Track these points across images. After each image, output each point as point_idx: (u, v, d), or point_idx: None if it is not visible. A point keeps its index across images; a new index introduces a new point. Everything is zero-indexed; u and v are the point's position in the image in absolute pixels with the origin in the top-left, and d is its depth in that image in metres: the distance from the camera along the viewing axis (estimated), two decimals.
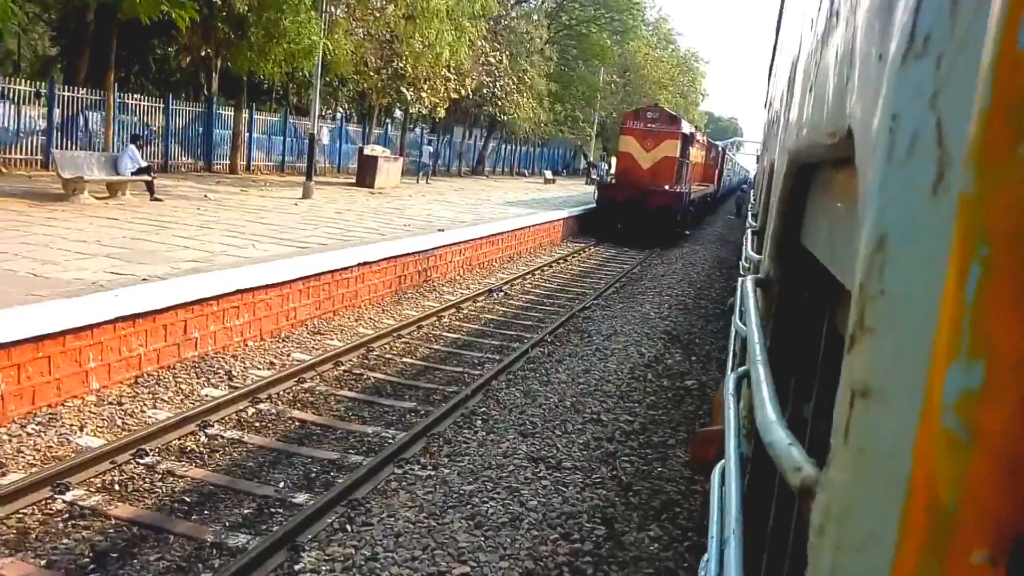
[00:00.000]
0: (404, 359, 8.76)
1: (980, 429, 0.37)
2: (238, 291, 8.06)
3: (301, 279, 9.24)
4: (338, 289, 10.04)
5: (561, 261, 17.81)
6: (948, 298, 0.39)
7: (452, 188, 27.13)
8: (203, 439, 6.15)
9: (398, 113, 35.53)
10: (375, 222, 14.15)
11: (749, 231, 4.88)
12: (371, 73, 21.44)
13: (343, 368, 8.17)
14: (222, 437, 6.21)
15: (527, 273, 15.29)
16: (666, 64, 56.29)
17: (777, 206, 1.69)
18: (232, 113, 21.71)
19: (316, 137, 26.03)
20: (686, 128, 23.39)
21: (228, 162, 21.82)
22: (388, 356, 8.78)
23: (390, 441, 6.35)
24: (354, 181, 23.06)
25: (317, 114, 16.76)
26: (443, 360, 8.93)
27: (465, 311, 11.47)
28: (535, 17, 38.06)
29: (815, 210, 1.40)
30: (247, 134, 22.63)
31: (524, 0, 40.87)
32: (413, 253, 12.20)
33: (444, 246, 13.42)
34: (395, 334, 9.52)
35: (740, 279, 3.18)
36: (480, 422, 6.82)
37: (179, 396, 6.86)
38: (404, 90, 22.35)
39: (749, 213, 10.58)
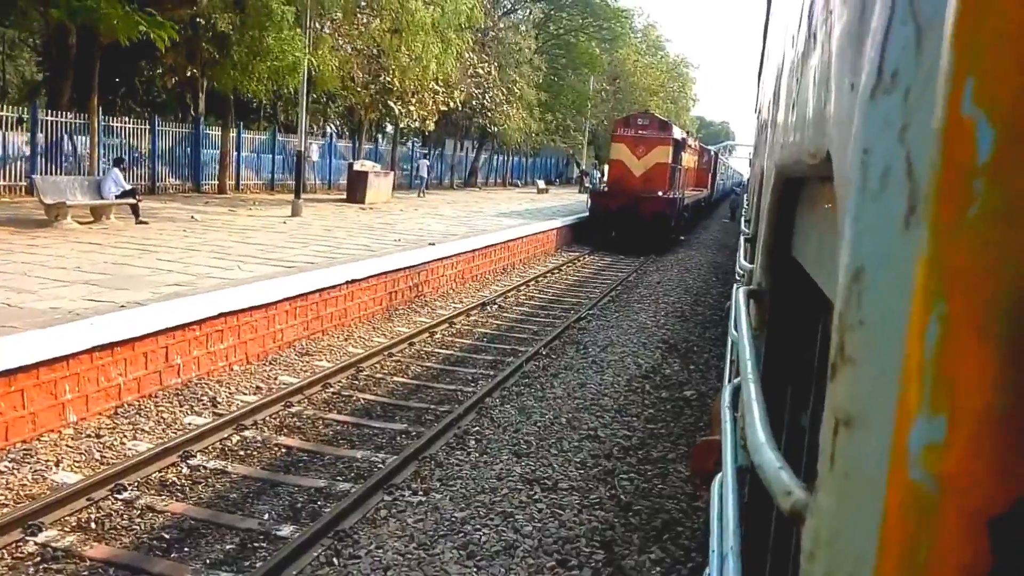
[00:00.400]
0: (395, 378, 8.54)
1: (945, 483, 0.37)
2: (221, 314, 7.84)
3: (288, 299, 9.03)
4: (327, 308, 9.82)
5: (556, 271, 17.62)
6: (910, 353, 0.40)
7: (445, 201, 26.97)
8: (185, 471, 5.92)
9: (390, 128, 35.60)
10: (366, 238, 13.95)
11: (742, 238, 4.79)
12: (359, 88, 21.28)
13: (332, 390, 7.94)
14: (205, 468, 5.97)
15: (521, 284, 15.09)
16: (656, 70, 56.39)
17: (767, 217, 1.67)
18: (219, 132, 21.54)
19: (305, 154, 25.99)
20: (677, 133, 23.28)
21: (217, 182, 21.62)
22: (379, 376, 8.55)
23: (380, 466, 6.13)
24: (345, 197, 22.88)
25: (305, 131, 16.59)
26: (435, 378, 8.71)
27: (458, 326, 11.25)
28: (523, 28, 38.04)
29: (804, 222, 1.38)
30: (235, 153, 22.45)
31: (512, 11, 40.90)
32: (404, 268, 12.00)
33: (436, 260, 13.22)
34: (386, 352, 9.30)
35: (735, 287, 3.16)
36: (473, 442, 6.60)
37: (160, 426, 6.63)
38: (392, 104, 22.18)
39: (742, 219, 10.39)
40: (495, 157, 45.35)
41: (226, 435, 6.55)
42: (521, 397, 7.87)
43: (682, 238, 25.27)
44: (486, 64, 28.99)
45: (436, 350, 9.86)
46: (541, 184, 42.27)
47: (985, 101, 0.37)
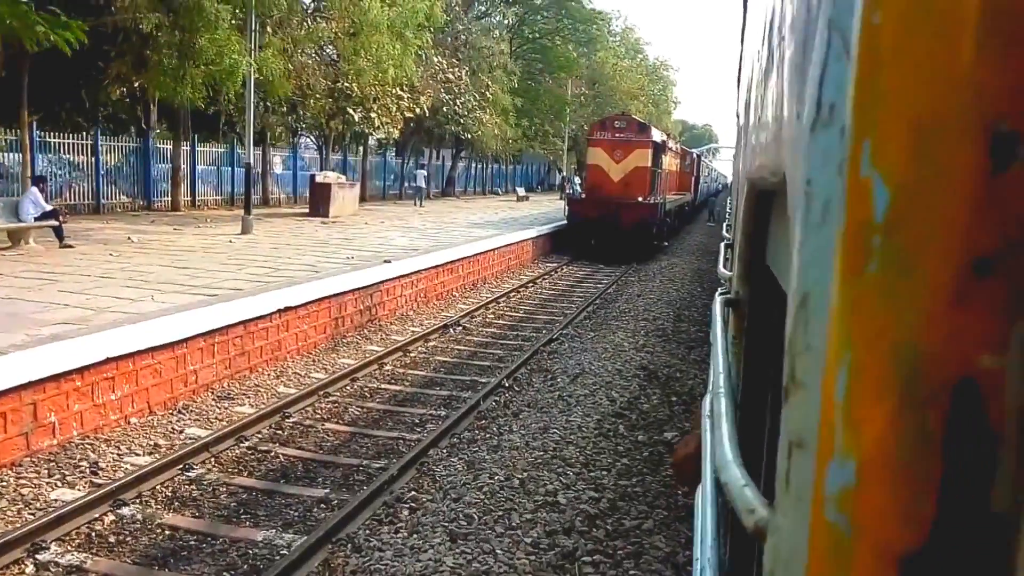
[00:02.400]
0: (327, 425, 7.28)
1: (858, 524, 0.40)
2: (111, 359, 6.56)
3: (203, 335, 7.76)
4: (255, 342, 8.56)
5: (530, 285, 16.42)
6: (824, 400, 0.42)
7: (417, 212, 25.73)
8: (29, 571, 4.64)
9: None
10: (315, 256, 12.69)
11: (723, 244, 4.58)
12: (316, 95, 19.99)
13: (247, 444, 6.68)
14: (57, 566, 4.70)
15: (491, 302, 13.87)
16: (635, 74, 55.46)
17: (742, 226, 1.64)
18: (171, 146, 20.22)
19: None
20: (657, 136, 22.17)
21: (170, 199, 20.31)
22: (308, 423, 7.30)
23: (283, 552, 4.88)
24: (308, 211, 21.60)
25: (252, 142, 15.34)
26: (376, 422, 7.46)
27: (413, 354, 10.01)
28: (496, 32, 36.89)
29: (775, 232, 1.38)
30: (190, 168, 21.16)
31: (485, 15, 39.77)
32: (353, 290, 10.75)
33: (392, 279, 11.98)
34: (322, 392, 8.04)
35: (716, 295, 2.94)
36: (406, 513, 5.36)
37: (16, 505, 5.34)
38: (351, 111, 20.90)
39: (724, 225, 10.01)
40: (474, 165, 44.16)
41: (97, 515, 5.27)
42: (473, 446, 6.63)
43: (665, 244, 24.15)
44: (456, 69, 27.76)
45: (383, 386, 8.60)
46: (521, 192, 41.20)
47: (880, 162, 0.39)
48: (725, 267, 3.36)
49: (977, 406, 0.38)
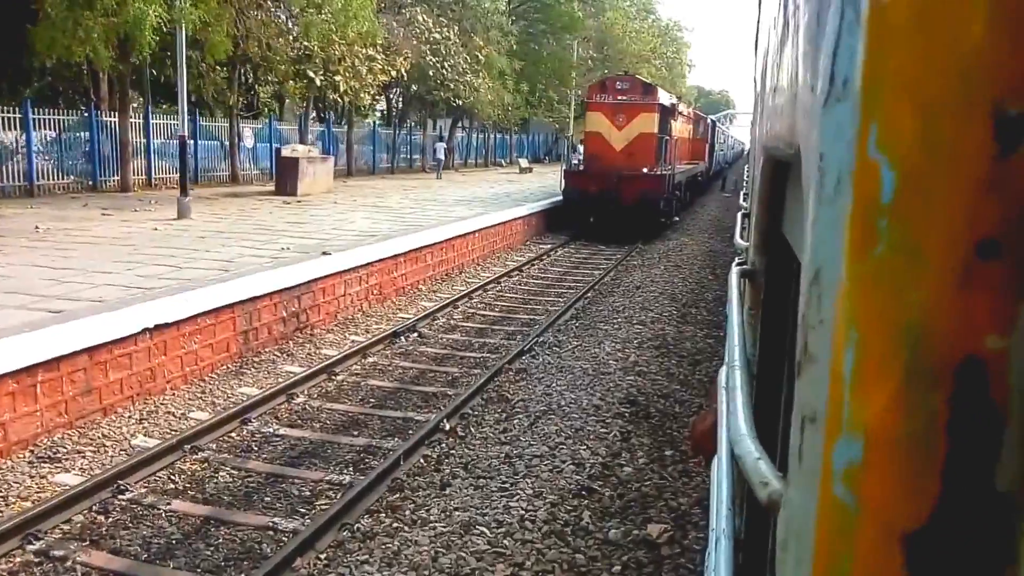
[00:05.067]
0: (175, 505, 5.15)
1: (864, 501, 0.41)
2: None
3: (24, 370, 5.64)
4: (110, 374, 6.43)
5: (516, 272, 14.19)
6: (833, 378, 0.43)
7: (402, 187, 23.44)
8: None
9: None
10: (243, 247, 10.52)
11: (740, 214, 4.41)
12: (277, 57, 17.58)
13: (42, 543, 4.57)
14: None
15: (463, 297, 11.68)
16: (647, 35, 52.38)
17: (758, 195, 1.63)
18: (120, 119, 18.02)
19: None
20: (664, 98, 19.64)
21: (119, 178, 18.19)
22: (148, 502, 5.17)
23: None
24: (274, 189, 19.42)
25: (186, 109, 13.10)
26: (246, 499, 5.32)
27: (340, 378, 7.86)
28: None
29: (791, 202, 1.36)
30: (145, 142, 19.01)
31: None
32: (273, 293, 8.59)
33: (331, 275, 9.81)
34: (189, 446, 5.92)
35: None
36: None
37: None
38: (311, 73, 18.48)
39: (742, 193, 9.20)
40: (475, 135, 41.62)
41: None
42: (362, 552, 4.48)
43: (676, 219, 21.74)
44: (445, 28, 25.13)
45: (280, 431, 6.46)
46: (524, 163, 38.73)
47: (887, 145, 0.40)
48: (742, 237, 3.17)
49: (982, 386, 0.39)
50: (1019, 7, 0.37)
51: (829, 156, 0.50)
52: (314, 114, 27.85)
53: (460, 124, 37.39)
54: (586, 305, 11.49)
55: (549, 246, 17.72)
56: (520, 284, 13.42)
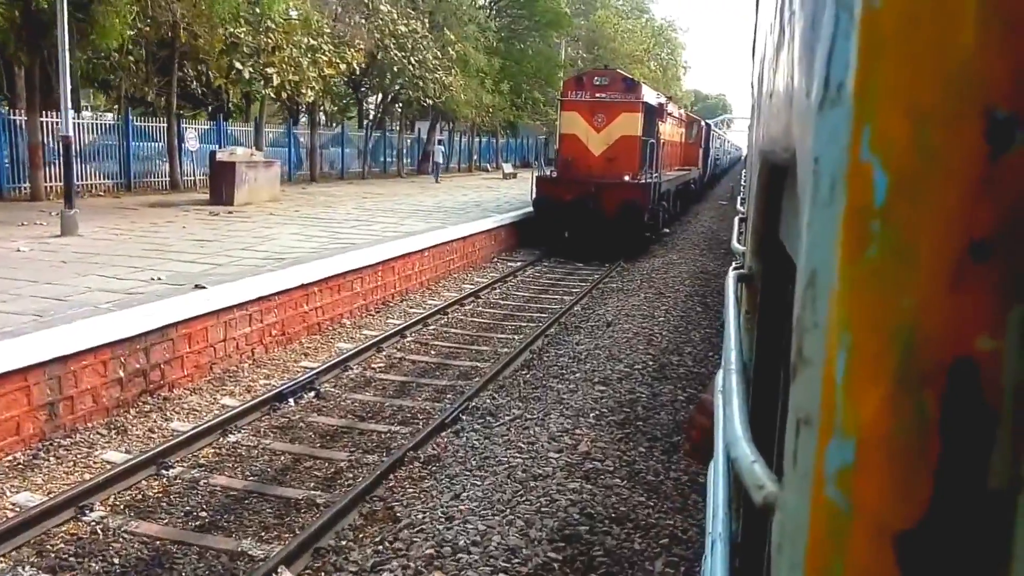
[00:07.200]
0: None
1: (856, 502, 0.41)
2: None
3: None
4: None
5: (470, 299, 11.97)
6: (825, 380, 0.43)
7: (364, 194, 21.18)
8: None
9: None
10: (102, 277, 8.26)
11: (737, 219, 4.37)
12: (202, 47, 15.31)
13: None
14: None
15: (393, 335, 9.45)
16: (640, 35, 50.28)
17: (755, 199, 1.64)
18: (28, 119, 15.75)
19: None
20: (650, 96, 17.44)
21: (29, 185, 15.94)
22: None
23: None
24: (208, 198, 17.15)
25: (69, 107, 10.89)
26: None
27: (173, 473, 5.60)
28: None
29: (788, 206, 1.33)
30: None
31: None
32: (102, 347, 6.35)
33: (205, 315, 7.57)
34: None
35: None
36: None
37: None
38: (239, 65, 16.18)
39: (739, 199, 8.89)
40: (458, 138, 39.35)
41: None
42: None
43: (665, 231, 19.56)
44: (413, 21, 22.88)
45: None
46: (507, 168, 36.47)
47: (879, 148, 0.40)
48: (739, 242, 3.16)
49: (975, 387, 0.39)
50: (1007, 12, 0.37)
51: (824, 160, 0.50)
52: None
53: (440, 126, 35.14)
54: (544, 347, 9.26)
55: (518, 264, 15.51)
56: (471, 315, 11.19)
